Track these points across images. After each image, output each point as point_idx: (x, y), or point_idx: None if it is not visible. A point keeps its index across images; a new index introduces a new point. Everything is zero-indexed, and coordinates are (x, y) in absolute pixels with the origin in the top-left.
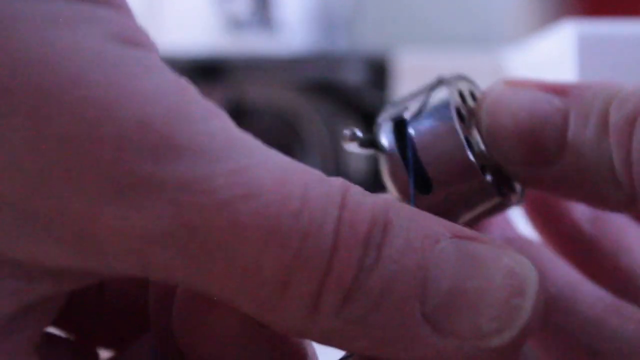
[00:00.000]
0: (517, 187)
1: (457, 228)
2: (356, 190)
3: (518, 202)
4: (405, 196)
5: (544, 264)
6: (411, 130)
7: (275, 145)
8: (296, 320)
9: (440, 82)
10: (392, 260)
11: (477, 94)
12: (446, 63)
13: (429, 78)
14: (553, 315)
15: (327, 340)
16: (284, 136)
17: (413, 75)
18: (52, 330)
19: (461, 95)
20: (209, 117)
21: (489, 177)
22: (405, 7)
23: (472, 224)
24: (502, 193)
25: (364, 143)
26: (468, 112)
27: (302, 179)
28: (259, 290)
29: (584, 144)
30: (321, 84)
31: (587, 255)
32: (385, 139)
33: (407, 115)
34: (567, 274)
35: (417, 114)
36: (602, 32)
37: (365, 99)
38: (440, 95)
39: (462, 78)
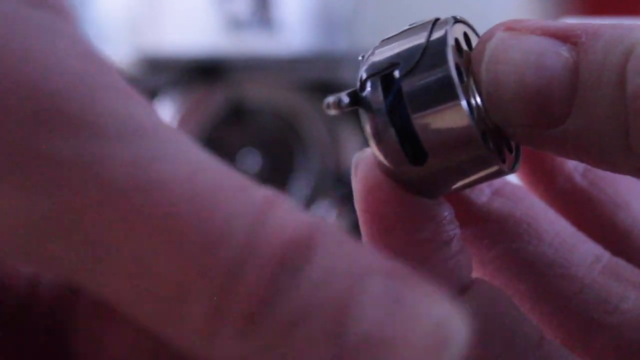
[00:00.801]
0: (515, 149)
1: (391, 266)
2: (285, 207)
3: (516, 168)
4: (391, 162)
5: (538, 218)
6: (404, 90)
7: (275, 145)
8: (195, 339)
9: (434, 25)
10: (309, 289)
11: (474, 41)
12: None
13: None
14: (550, 282)
15: None
16: (284, 136)
17: None
18: None
19: (457, 43)
20: (122, 98)
21: (490, 145)
22: (405, 7)
23: (464, 189)
24: (502, 160)
25: (348, 103)
26: (466, 66)
27: (217, 182)
28: (152, 299)
29: (596, 105)
30: (321, 84)
31: (581, 211)
32: (373, 98)
33: (398, 71)
34: (562, 230)
35: (410, 70)
36: None
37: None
38: (436, 40)
39: (458, 21)
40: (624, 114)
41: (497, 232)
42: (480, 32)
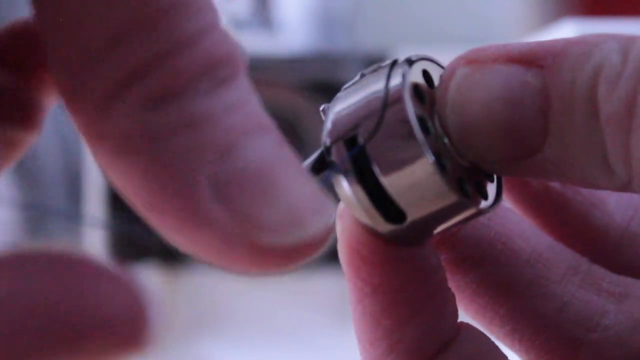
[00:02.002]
0: (496, 179)
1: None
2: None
3: (499, 200)
4: (370, 223)
5: (512, 236)
6: (369, 153)
7: None
8: (93, 108)
9: (390, 73)
10: (214, 104)
11: (436, 77)
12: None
13: None
14: (530, 302)
15: (111, 158)
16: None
17: None
18: None
19: (417, 90)
20: None
21: (467, 191)
22: (405, 7)
23: (448, 231)
24: (483, 198)
25: (315, 168)
26: (430, 108)
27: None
28: (78, 48)
29: (570, 131)
30: (321, 84)
31: (556, 213)
32: (340, 164)
33: (361, 136)
34: (537, 244)
35: (373, 131)
36: (602, 31)
37: None
38: (394, 93)
39: (413, 61)
40: (600, 137)
41: (472, 256)
42: (480, 26)
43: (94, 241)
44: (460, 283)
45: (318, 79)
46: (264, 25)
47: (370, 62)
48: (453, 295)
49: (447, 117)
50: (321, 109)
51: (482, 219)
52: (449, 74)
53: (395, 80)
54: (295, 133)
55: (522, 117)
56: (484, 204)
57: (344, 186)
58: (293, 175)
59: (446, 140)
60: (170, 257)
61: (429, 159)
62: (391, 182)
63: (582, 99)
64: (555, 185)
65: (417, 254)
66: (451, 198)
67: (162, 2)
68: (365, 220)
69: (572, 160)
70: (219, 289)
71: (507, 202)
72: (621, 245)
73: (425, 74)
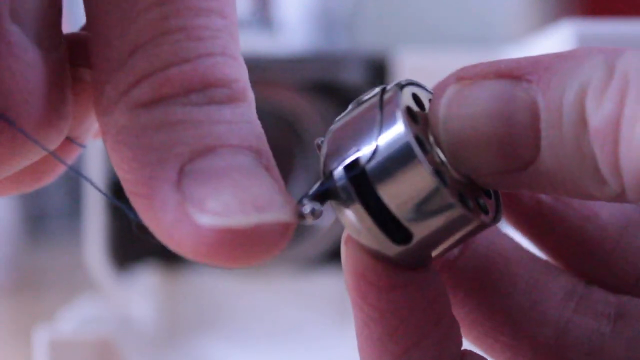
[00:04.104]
0: (494, 194)
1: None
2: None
3: (499, 215)
4: (376, 247)
5: (510, 264)
6: (371, 177)
7: (275, 145)
8: (106, 105)
9: (383, 99)
10: (203, 119)
11: (425, 100)
12: (446, 63)
13: (428, 78)
14: (528, 330)
15: (111, 148)
16: (284, 136)
17: (413, 75)
18: None
19: (410, 111)
20: None
21: (470, 205)
22: (405, 7)
23: (453, 248)
24: (484, 213)
25: (317, 198)
26: (424, 129)
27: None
28: (103, 56)
29: (561, 143)
30: (321, 84)
31: (549, 227)
32: (343, 191)
33: (361, 158)
34: (534, 268)
35: (372, 155)
36: (602, 32)
37: None
38: (389, 117)
39: (403, 86)
40: (590, 150)
41: (471, 284)
42: (480, 26)
43: (94, 241)
44: (460, 311)
45: (318, 79)
46: (264, 25)
47: (370, 62)
48: (457, 322)
49: (439, 133)
50: (316, 143)
51: (480, 247)
52: (440, 91)
53: (388, 103)
54: (295, 133)
55: (513, 132)
56: (485, 218)
57: (348, 211)
58: (252, 180)
59: (442, 157)
60: (170, 257)
61: (430, 175)
62: (395, 202)
63: (570, 113)
64: (547, 199)
65: (423, 279)
66: (455, 212)
67: (172, 23)
68: (371, 243)
69: (564, 172)
70: (219, 289)
71: (501, 221)
72: (616, 257)
73: (415, 97)
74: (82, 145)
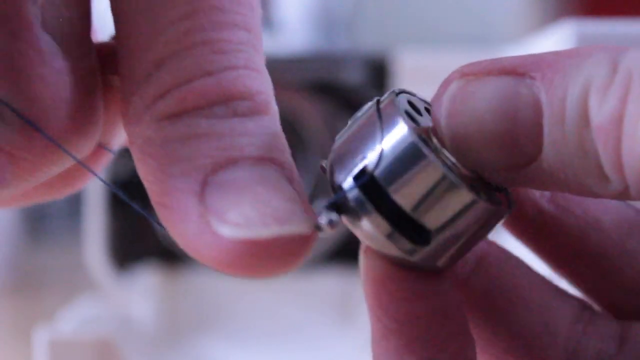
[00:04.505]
0: (503, 192)
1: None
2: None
3: (513, 205)
4: (398, 252)
5: (522, 289)
6: (382, 182)
7: None
8: (132, 115)
9: (379, 108)
10: (223, 130)
11: (420, 107)
12: (446, 63)
13: (428, 78)
14: (539, 355)
15: (137, 158)
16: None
17: (413, 75)
18: None
19: (409, 114)
20: None
21: (482, 196)
22: (405, 7)
23: (473, 245)
24: (497, 203)
25: (333, 209)
26: (425, 130)
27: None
28: (130, 68)
29: (564, 141)
30: (321, 84)
31: (552, 237)
32: (356, 201)
33: (369, 166)
34: (544, 291)
35: (379, 160)
36: (602, 31)
37: (365, 99)
38: (390, 121)
39: (397, 93)
40: (593, 147)
41: (481, 306)
42: (480, 26)
43: (94, 241)
44: (473, 331)
45: (318, 79)
46: (264, 25)
47: (370, 62)
48: (473, 338)
49: (442, 129)
50: (320, 166)
51: (491, 269)
52: (443, 87)
53: (386, 109)
54: (295, 133)
55: (516, 128)
56: (501, 207)
57: (363, 222)
58: (273, 192)
59: (449, 155)
60: (170, 257)
61: (442, 171)
62: (409, 203)
63: (573, 110)
64: (550, 209)
65: (442, 290)
66: (472, 203)
67: (197, 37)
68: (392, 250)
69: (567, 169)
70: (219, 289)
71: (503, 230)
72: (620, 264)
73: (411, 104)
74: (112, 151)
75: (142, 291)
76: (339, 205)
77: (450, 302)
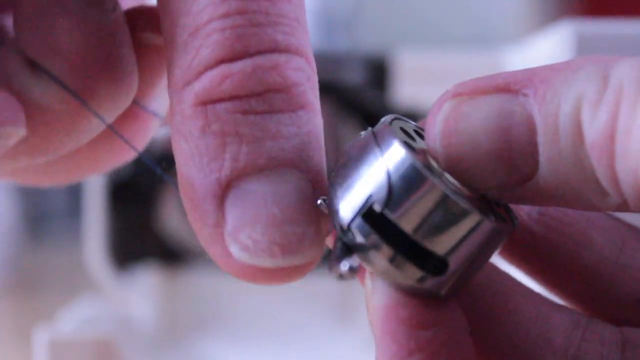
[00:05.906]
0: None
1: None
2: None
3: (516, 222)
4: (413, 283)
5: (518, 306)
6: (392, 217)
7: None
8: (172, 92)
9: (376, 137)
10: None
11: (412, 131)
12: (446, 63)
13: (428, 78)
14: (532, 358)
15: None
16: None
17: (413, 75)
18: None
19: (406, 143)
20: None
21: (492, 218)
22: (405, 7)
23: (480, 268)
24: (503, 220)
25: (343, 256)
26: (422, 154)
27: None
28: (169, 39)
29: (559, 157)
30: (321, 84)
31: (545, 259)
32: (368, 239)
33: (376, 202)
34: (535, 302)
35: (387, 195)
36: (602, 31)
37: (365, 99)
38: (391, 153)
39: (390, 122)
40: (588, 162)
41: (479, 328)
42: (480, 26)
43: (94, 241)
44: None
45: (318, 79)
46: None
47: (370, 62)
48: None
49: (436, 150)
50: (319, 204)
51: (480, 285)
52: (436, 108)
53: (382, 137)
54: None
55: (511, 147)
56: (509, 225)
57: (376, 258)
58: (288, 214)
59: (448, 176)
60: (170, 257)
61: (454, 199)
62: (423, 236)
63: (567, 127)
64: (539, 230)
65: (451, 317)
66: (483, 224)
67: (233, 5)
68: (407, 280)
69: (565, 185)
70: (219, 289)
71: (496, 256)
72: (614, 280)
73: (404, 131)
74: (156, 114)
75: (142, 291)
76: (351, 246)
77: (459, 330)
